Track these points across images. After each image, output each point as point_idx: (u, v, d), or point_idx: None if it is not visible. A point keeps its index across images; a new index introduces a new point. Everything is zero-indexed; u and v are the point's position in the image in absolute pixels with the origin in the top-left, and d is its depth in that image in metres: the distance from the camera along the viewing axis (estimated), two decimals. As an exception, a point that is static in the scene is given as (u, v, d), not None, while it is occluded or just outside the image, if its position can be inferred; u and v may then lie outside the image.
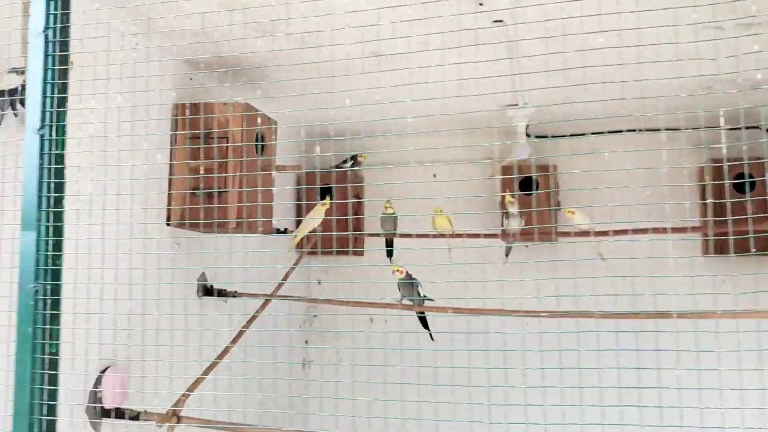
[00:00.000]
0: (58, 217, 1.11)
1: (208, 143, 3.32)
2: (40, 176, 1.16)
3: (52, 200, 1.12)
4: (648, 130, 3.02)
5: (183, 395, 3.04)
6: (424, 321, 3.59)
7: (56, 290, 1.14)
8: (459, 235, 3.62)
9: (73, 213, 1.23)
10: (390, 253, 3.88)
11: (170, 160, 3.30)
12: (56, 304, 1.12)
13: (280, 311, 3.86)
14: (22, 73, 2.34)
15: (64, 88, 1.14)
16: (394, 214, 3.83)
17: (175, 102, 3.39)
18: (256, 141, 3.50)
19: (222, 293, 3.52)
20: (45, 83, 1.17)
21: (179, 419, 2.89)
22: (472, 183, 3.81)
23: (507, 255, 3.68)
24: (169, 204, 3.29)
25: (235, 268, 3.92)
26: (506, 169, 4.03)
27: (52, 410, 1.10)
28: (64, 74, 1.15)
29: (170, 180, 3.29)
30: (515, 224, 3.66)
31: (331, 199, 3.97)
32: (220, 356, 3.37)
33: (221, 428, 2.83)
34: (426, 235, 3.77)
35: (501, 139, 3.72)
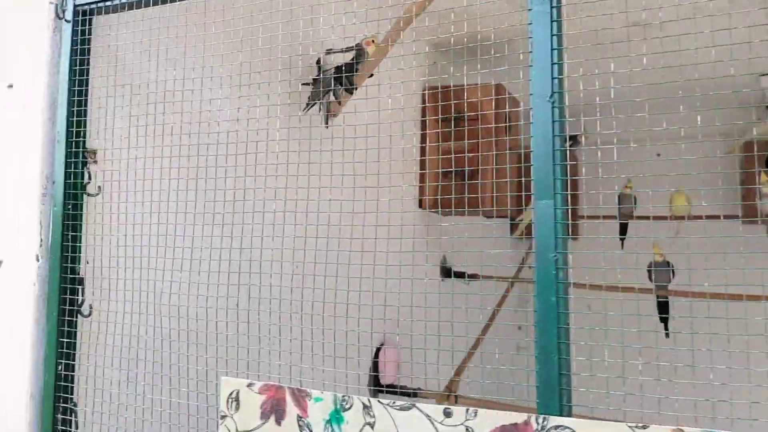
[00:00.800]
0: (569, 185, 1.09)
1: (458, 126, 3.28)
2: (553, 144, 1.13)
3: (566, 168, 1.10)
4: None
5: (455, 374, 3.05)
6: (664, 309, 3.39)
7: (567, 260, 1.12)
8: (697, 218, 3.39)
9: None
10: (623, 235, 3.70)
11: (422, 144, 3.31)
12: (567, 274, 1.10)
13: (492, 295, 3.77)
14: (340, 52, 2.38)
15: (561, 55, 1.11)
16: (632, 194, 3.65)
17: (424, 86, 3.39)
18: (505, 121, 3.45)
19: (463, 275, 3.50)
20: (551, 50, 1.14)
21: (456, 398, 2.91)
22: (709, 160, 3.55)
23: (776, 235, 3.39)
24: (422, 188, 3.30)
25: (473, 251, 3.87)
26: (749, 145, 3.73)
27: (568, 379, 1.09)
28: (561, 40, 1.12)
29: (422, 164, 3.30)
30: (772, 204, 3.38)
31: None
32: (480, 339, 3.35)
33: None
34: (663, 218, 3.55)
35: (743, 111, 3.41)
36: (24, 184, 1.64)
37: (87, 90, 1.63)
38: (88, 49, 1.64)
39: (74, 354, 1.58)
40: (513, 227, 4.13)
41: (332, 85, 2.25)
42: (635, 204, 3.64)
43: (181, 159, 1.53)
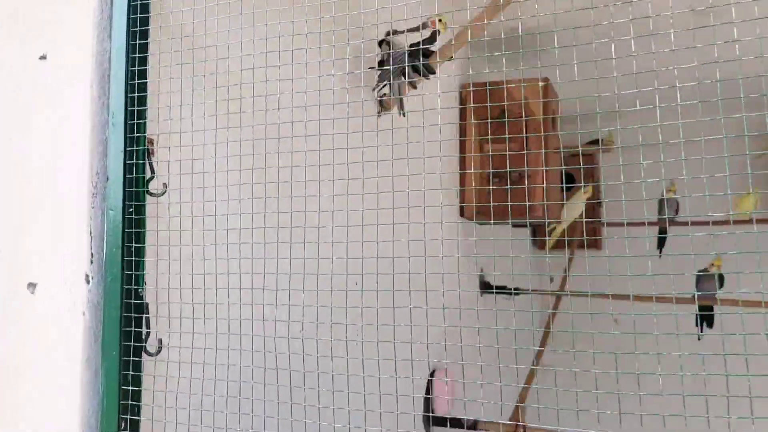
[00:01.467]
0: None
1: (502, 124, 2.96)
2: None
3: None
4: None
5: (520, 400, 2.70)
6: (704, 318, 3.18)
7: None
8: (763, 221, 3.17)
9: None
10: (662, 243, 3.47)
11: (460, 146, 2.99)
12: None
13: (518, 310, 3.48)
14: (409, 32, 2.02)
15: None
16: (676, 197, 3.42)
17: (461, 83, 3.08)
18: (554, 120, 3.16)
19: (503, 290, 3.18)
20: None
21: (525, 430, 2.56)
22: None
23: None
24: (463, 194, 2.97)
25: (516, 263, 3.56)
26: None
27: None
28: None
29: (462, 168, 2.98)
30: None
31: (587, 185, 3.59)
32: (540, 357, 3.01)
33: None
34: (725, 223, 3.30)
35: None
36: (66, 182, 1.23)
37: (147, 58, 1.24)
38: (148, 5, 1.25)
39: (139, 407, 1.17)
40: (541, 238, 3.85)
41: (405, 67, 1.91)
42: (677, 207, 3.41)
43: (269, 145, 1.15)
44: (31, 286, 1.23)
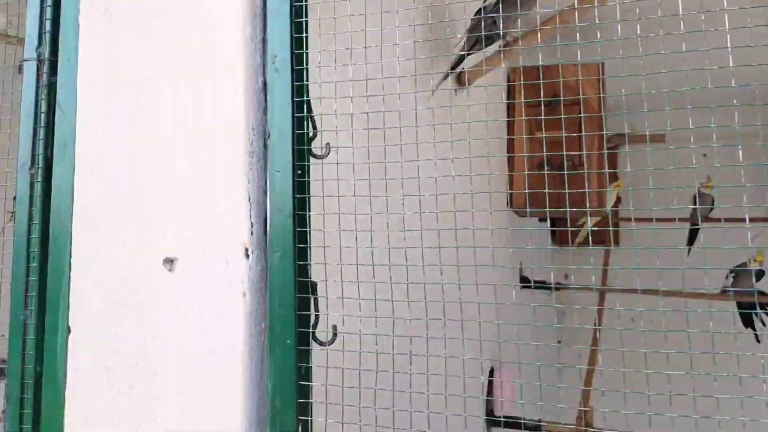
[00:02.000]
0: None
1: (554, 111, 2.86)
2: None
3: None
4: None
5: (586, 405, 2.58)
6: (748, 316, 3.16)
7: None
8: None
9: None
10: (692, 240, 3.45)
11: (509, 134, 2.87)
12: None
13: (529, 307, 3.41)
14: None
15: None
16: (711, 193, 3.39)
17: (509, 67, 2.96)
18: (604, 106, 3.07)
19: (543, 285, 3.08)
20: None
21: (593, 432, 2.44)
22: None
23: None
24: (512, 185, 2.85)
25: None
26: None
27: None
28: None
29: (509, 157, 2.85)
30: None
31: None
32: (592, 361, 2.92)
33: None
34: (762, 220, 3.30)
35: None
36: (214, 138, 1.03)
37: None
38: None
39: (310, 406, 0.98)
40: (566, 232, 3.77)
41: (498, 21, 1.76)
42: (712, 204, 3.38)
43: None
44: (168, 262, 1.02)
